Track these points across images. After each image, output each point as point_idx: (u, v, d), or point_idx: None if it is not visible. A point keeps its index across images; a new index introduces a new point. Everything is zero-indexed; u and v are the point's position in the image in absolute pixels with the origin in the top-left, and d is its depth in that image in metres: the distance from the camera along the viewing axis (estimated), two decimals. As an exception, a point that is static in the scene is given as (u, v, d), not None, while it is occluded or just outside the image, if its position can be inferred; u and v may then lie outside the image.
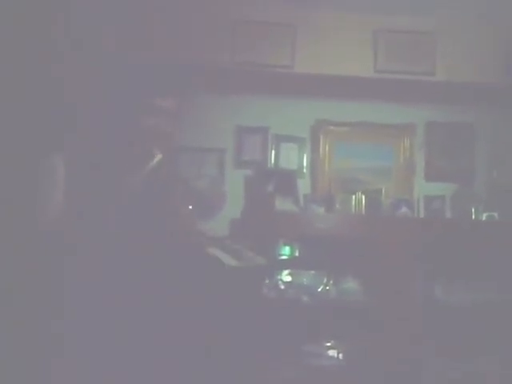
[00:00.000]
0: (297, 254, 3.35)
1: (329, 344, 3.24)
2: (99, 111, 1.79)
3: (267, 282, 2.99)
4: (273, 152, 3.69)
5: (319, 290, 3.27)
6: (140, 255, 1.63)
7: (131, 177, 1.71)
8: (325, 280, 3.29)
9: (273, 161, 3.69)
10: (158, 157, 1.81)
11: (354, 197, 3.49)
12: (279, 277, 3.25)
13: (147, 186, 1.73)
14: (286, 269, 3.29)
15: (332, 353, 3.23)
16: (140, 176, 1.73)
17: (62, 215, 1.57)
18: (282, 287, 3.21)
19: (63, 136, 1.71)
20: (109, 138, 1.75)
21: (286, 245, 3.32)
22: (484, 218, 3.40)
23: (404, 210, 3.44)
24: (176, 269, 1.69)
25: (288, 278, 3.27)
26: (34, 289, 1.57)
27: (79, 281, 1.57)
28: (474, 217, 3.44)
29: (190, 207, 1.94)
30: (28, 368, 1.57)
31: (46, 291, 1.57)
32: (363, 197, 3.48)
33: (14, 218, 1.59)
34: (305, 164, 3.70)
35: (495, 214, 3.39)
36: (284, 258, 3.33)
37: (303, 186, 3.61)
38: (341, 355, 3.22)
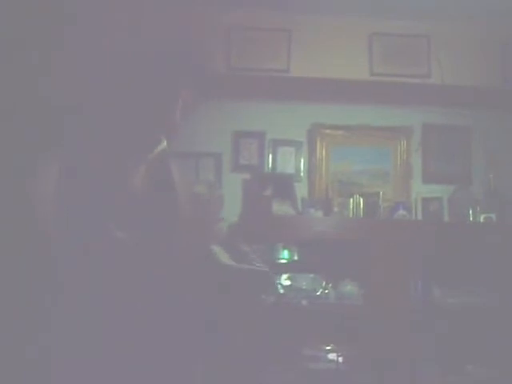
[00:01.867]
0: (295, 257, 3.35)
1: (328, 347, 3.24)
2: (112, 95, 1.77)
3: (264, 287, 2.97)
4: (270, 156, 3.69)
5: (318, 293, 3.27)
6: (139, 253, 1.63)
7: (135, 162, 1.70)
8: (324, 283, 3.29)
9: (270, 165, 3.69)
10: (163, 143, 1.80)
11: (351, 200, 3.49)
12: (278, 281, 3.25)
13: (150, 183, 1.72)
14: (284, 273, 3.29)
15: (331, 356, 3.22)
16: (144, 162, 1.72)
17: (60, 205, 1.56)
18: (282, 291, 3.21)
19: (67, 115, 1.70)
20: (117, 121, 1.73)
21: (284, 248, 3.32)
22: (482, 220, 3.41)
23: (401, 212, 3.45)
24: (176, 267, 1.68)
25: (287, 282, 3.27)
26: (30, 290, 1.57)
27: (76, 281, 1.56)
28: (471, 219, 3.45)
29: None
30: (27, 368, 1.56)
31: (42, 292, 1.57)
32: (361, 200, 3.48)
33: (11, 218, 1.59)
34: (302, 168, 3.70)
35: (493, 216, 3.39)
36: (283, 261, 3.33)
37: (301, 189, 3.60)
38: (340, 358, 3.21)
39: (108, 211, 1.59)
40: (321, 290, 3.28)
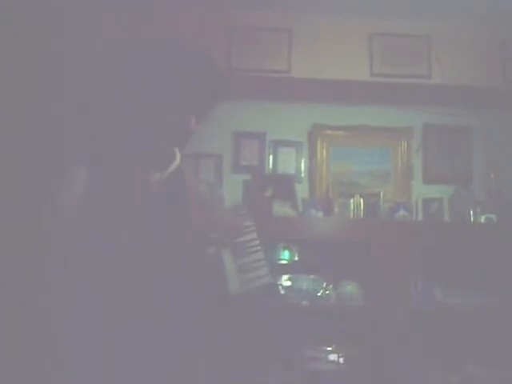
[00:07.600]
0: (296, 258, 3.34)
1: (329, 348, 3.23)
2: (128, 108, 1.75)
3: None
4: (270, 157, 3.69)
5: (319, 294, 3.26)
6: (150, 260, 1.62)
7: (151, 178, 1.69)
8: (324, 284, 3.29)
9: (270, 166, 3.69)
10: (178, 158, 1.80)
11: (352, 200, 3.48)
12: (279, 282, 3.25)
13: (162, 190, 1.71)
14: (285, 273, 3.29)
15: (332, 357, 3.21)
16: (161, 178, 1.72)
17: (77, 215, 1.56)
18: (282, 292, 3.20)
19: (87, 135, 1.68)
20: (134, 136, 1.71)
21: (285, 249, 3.32)
22: (482, 221, 3.40)
23: (402, 213, 3.44)
24: (181, 273, 1.68)
25: (288, 283, 3.27)
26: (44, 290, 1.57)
27: (85, 282, 1.56)
28: (472, 219, 3.44)
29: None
30: (28, 368, 1.56)
31: (54, 292, 1.57)
32: (361, 200, 3.48)
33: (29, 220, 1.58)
34: (302, 168, 3.70)
35: (493, 217, 3.39)
36: (283, 262, 3.33)
37: (301, 190, 3.60)
38: (341, 359, 3.21)
39: (122, 221, 1.59)
40: (321, 291, 3.27)
